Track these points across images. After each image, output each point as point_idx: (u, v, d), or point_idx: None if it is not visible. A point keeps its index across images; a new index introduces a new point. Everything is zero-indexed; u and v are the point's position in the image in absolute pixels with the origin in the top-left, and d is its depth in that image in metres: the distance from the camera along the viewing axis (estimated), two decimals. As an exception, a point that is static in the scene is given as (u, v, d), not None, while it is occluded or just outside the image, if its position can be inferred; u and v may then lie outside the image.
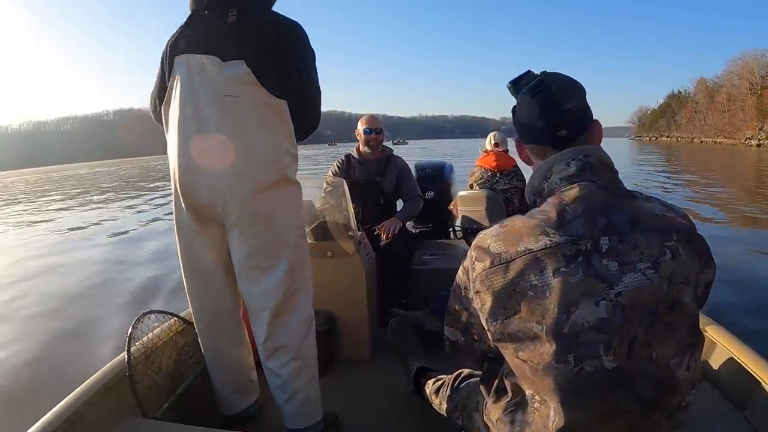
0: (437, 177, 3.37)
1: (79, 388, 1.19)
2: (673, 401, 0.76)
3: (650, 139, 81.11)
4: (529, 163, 0.91)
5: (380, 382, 1.72)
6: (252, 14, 1.24)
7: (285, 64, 1.23)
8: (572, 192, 0.76)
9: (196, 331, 1.42)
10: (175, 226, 1.32)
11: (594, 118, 0.86)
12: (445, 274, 2.36)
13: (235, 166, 1.19)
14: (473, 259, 0.79)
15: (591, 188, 0.76)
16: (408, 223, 2.92)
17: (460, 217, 3.11)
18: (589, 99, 0.86)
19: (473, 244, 0.82)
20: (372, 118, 2.65)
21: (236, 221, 1.23)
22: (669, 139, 73.55)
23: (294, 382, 1.30)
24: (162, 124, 1.32)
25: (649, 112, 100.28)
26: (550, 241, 0.72)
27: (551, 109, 0.82)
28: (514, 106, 0.90)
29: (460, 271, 0.87)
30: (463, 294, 0.85)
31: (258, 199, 1.21)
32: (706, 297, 0.79)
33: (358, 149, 2.66)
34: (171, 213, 1.33)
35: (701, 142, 58.48)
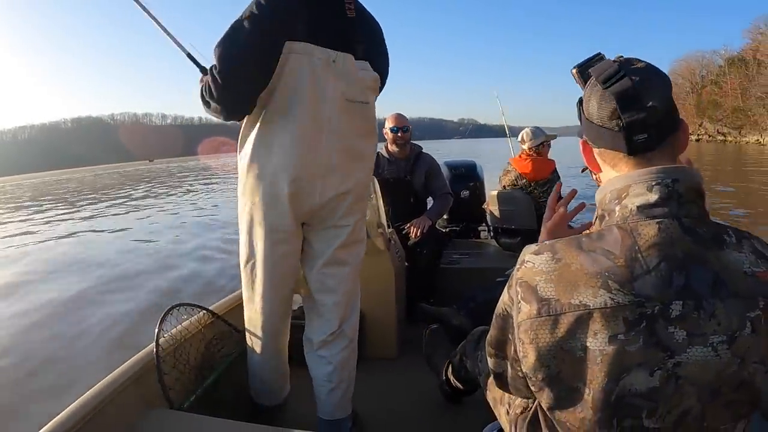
0: (470, 176, 3.35)
1: (107, 378, 1.18)
2: None
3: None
4: (596, 169, 0.76)
5: (407, 381, 1.71)
6: (363, 9, 1.17)
7: (385, 67, 1.25)
8: (650, 231, 0.62)
9: (260, 326, 1.34)
10: (263, 230, 1.21)
11: (681, 118, 0.70)
12: (473, 273, 2.38)
13: (354, 175, 1.22)
14: (519, 296, 0.67)
15: (673, 230, 0.62)
16: (439, 221, 2.91)
17: (490, 215, 3.07)
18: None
19: (518, 275, 0.69)
20: (399, 117, 2.61)
21: (338, 220, 1.25)
22: (620, 134, 77.24)
23: (342, 372, 1.32)
24: (239, 117, 1.17)
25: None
26: (612, 300, 0.60)
27: (630, 107, 0.66)
28: (581, 99, 0.75)
29: (503, 299, 0.75)
30: (509, 323, 0.72)
31: (362, 203, 1.31)
32: None
33: (386, 148, 2.65)
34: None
35: (648, 137, 61.81)
